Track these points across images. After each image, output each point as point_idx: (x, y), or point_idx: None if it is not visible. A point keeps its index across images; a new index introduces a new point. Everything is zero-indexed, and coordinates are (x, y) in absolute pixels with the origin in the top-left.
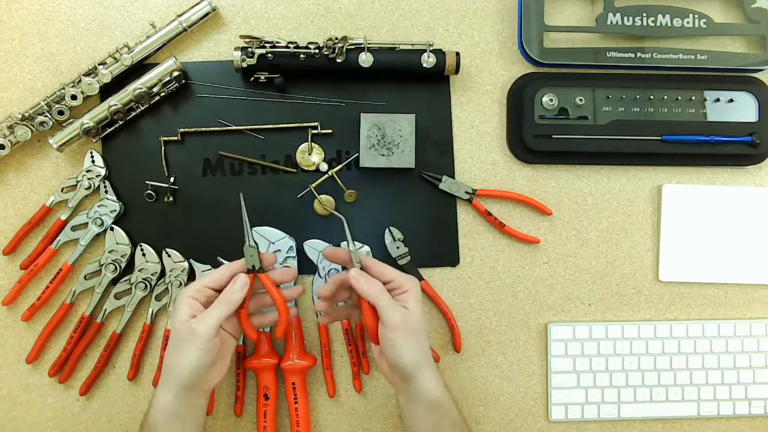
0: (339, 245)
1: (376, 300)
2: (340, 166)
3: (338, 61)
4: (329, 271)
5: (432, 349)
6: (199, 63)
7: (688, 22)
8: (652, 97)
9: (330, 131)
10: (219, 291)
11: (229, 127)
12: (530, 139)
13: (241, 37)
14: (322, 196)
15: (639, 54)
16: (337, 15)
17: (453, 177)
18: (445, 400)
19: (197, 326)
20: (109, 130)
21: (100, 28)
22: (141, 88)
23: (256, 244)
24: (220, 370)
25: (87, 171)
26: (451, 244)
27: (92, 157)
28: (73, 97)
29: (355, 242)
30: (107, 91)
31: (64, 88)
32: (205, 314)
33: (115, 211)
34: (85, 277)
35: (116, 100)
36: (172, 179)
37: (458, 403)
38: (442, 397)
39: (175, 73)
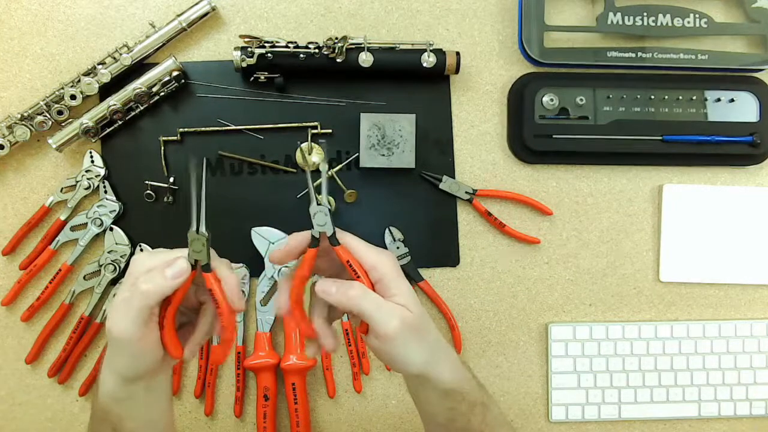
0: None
1: (359, 309)
2: (340, 166)
3: (338, 60)
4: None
5: None
6: (198, 63)
7: (688, 22)
8: (652, 96)
9: (330, 131)
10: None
11: (229, 127)
12: (530, 139)
13: (241, 36)
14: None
15: (639, 54)
16: (337, 15)
17: (453, 177)
18: (462, 384)
19: (109, 326)
20: (108, 130)
21: (99, 28)
22: (140, 88)
23: (207, 233)
24: (170, 359)
25: (86, 171)
26: (451, 244)
27: (91, 157)
28: (73, 97)
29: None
30: (107, 91)
31: (63, 88)
32: (117, 310)
33: (115, 211)
34: (84, 278)
35: (116, 100)
36: (171, 179)
37: (476, 378)
38: (458, 383)
39: (175, 73)
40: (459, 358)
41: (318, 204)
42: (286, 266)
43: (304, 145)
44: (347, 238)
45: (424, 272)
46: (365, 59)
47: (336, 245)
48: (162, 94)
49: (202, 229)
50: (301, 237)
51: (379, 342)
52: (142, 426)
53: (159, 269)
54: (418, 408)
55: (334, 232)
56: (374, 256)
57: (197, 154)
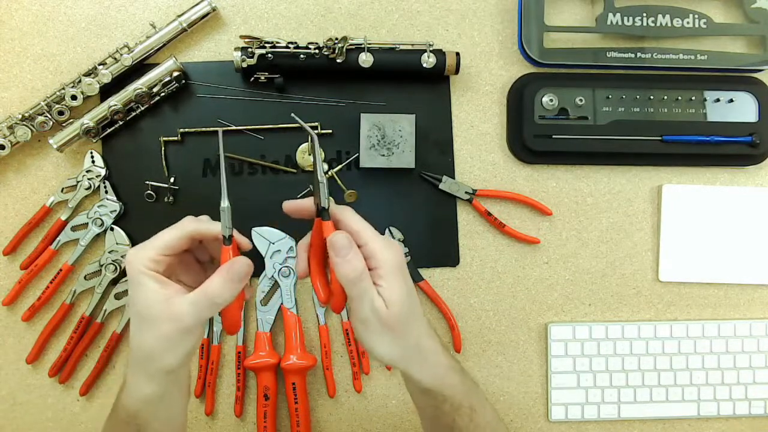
0: None
1: (349, 290)
2: (340, 167)
3: (338, 61)
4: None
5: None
6: (199, 63)
7: (688, 22)
8: (652, 97)
9: (330, 131)
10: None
11: (229, 127)
12: (530, 139)
13: (241, 37)
14: None
15: (639, 54)
16: (337, 15)
17: (453, 177)
18: (443, 388)
19: (185, 316)
20: (109, 131)
21: (100, 28)
22: (141, 89)
23: (231, 204)
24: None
25: (87, 171)
26: (451, 244)
27: (92, 157)
28: (73, 98)
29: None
30: (107, 91)
31: (64, 89)
32: (190, 303)
33: (115, 211)
34: (85, 278)
35: (116, 101)
36: (172, 179)
37: (466, 380)
38: (438, 387)
39: (175, 74)
40: (447, 363)
41: (320, 177)
42: (286, 266)
43: (304, 146)
44: (353, 220)
45: (424, 272)
46: (365, 59)
47: (326, 219)
48: (162, 94)
49: (227, 202)
50: (308, 202)
51: (352, 317)
52: (165, 424)
53: (224, 280)
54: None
55: (327, 207)
56: (377, 245)
57: (198, 154)
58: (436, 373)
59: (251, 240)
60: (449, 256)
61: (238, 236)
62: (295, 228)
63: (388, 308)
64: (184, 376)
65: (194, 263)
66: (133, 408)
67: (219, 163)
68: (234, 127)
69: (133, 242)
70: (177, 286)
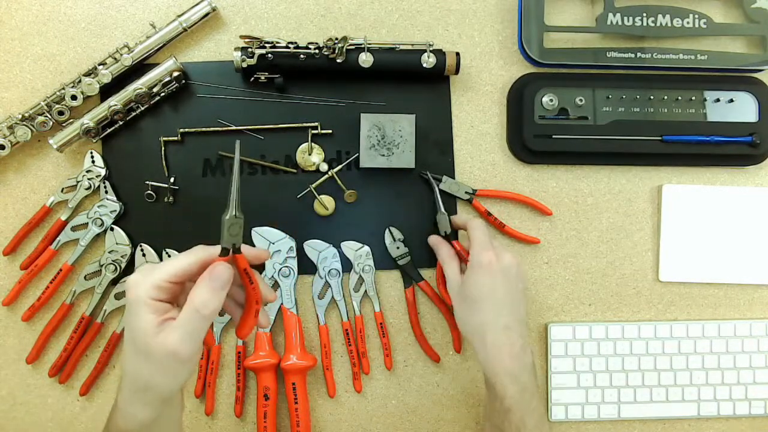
0: (339, 246)
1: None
2: (340, 167)
3: (338, 61)
4: (329, 270)
5: (431, 348)
6: (199, 63)
7: (688, 22)
8: (652, 97)
9: (330, 131)
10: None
11: (229, 127)
12: (530, 139)
13: (241, 37)
14: (323, 196)
15: (639, 54)
16: (337, 15)
17: (453, 177)
18: (495, 383)
19: (179, 348)
20: (109, 131)
21: (100, 28)
22: (141, 89)
23: (242, 215)
24: (199, 359)
25: (87, 171)
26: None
27: (92, 157)
28: (73, 98)
29: (355, 242)
30: (107, 91)
31: (64, 89)
32: (182, 330)
33: (115, 211)
34: (85, 278)
35: (116, 101)
36: (172, 179)
37: (526, 395)
38: (489, 376)
39: (175, 74)
40: (509, 367)
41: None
42: (286, 266)
43: (304, 146)
44: (472, 228)
45: (424, 272)
46: (365, 60)
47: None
48: (162, 94)
49: (237, 212)
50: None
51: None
52: None
53: (207, 288)
54: None
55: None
56: (474, 249)
57: (198, 154)
58: (491, 367)
59: (251, 240)
60: None
61: (248, 249)
62: (295, 228)
63: (462, 284)
64: (179, 395)
65: None
66: (125, 429)
67: (229, 167)
68: (234, 127)
69: (133, 242)
70: (175, 312)
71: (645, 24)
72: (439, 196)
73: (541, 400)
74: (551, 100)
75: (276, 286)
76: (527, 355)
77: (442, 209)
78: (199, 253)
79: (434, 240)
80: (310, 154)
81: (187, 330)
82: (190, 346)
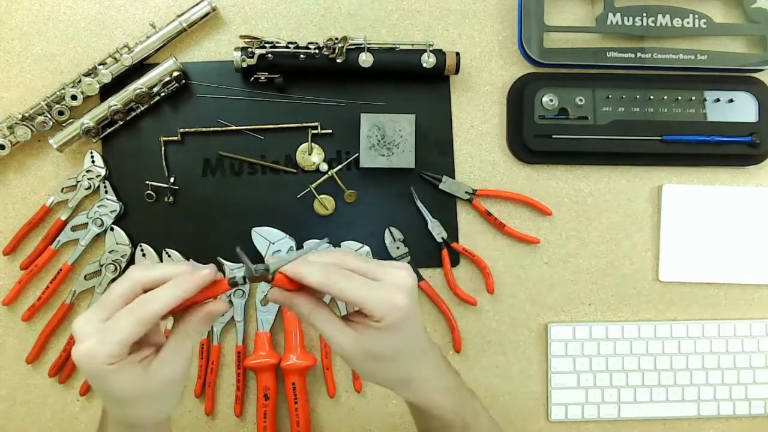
0: (339, 246)
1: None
2: (340, 167)
3: (338, 61)
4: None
5: None
6: (199, 63)
7: (688, 22)
8: (652, 97)
9: (330, 131)
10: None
11: (229, 127)
12: (530, 139)
13: (241, 37)
14: (323, 196)
15: (639, 54)
16: (337, 15)
17: (453, 177)
18: (428, 407)
19: (175, 376)
20: (109, 130)
21: (100, 28)
22: (141, 88)
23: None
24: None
25: (87, 171)
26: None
27: (92, 157)
28: (73, 98)
29: (355, 242)
30: (107, 91)
31: (64, 89)
32: (171, 354)
33: (115, 211)
34: (85, 278)
35: (116, 101)
36: (172, 179)
37: (457, 397)
38: (419, 403)
39: (175, 74)
40: (436, 386)
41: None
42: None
43: (304, 146)
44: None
45: (424, 272)
46: (365, 59)
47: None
48: (162, 94)
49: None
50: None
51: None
52: None
53: (197, 319)
54: None
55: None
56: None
57: (198, 154)
58: (422, 400)
59: (252, 240)
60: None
61: (199, 267)
62: (295, 228)
63: (363, 342)
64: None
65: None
66: None
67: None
68: (234, 127)
69: (133, 242)
70: (147, 348)
71: (645, 24)
72: (424, 209)
73: (474, 394)
74: (551, 100)
75: None
76: (441, 358)
77: (431, 219)
78: (149, 315)
79: (276, 295)
80: (310, 154)
81: (174, 358)
82: (183, 365)
